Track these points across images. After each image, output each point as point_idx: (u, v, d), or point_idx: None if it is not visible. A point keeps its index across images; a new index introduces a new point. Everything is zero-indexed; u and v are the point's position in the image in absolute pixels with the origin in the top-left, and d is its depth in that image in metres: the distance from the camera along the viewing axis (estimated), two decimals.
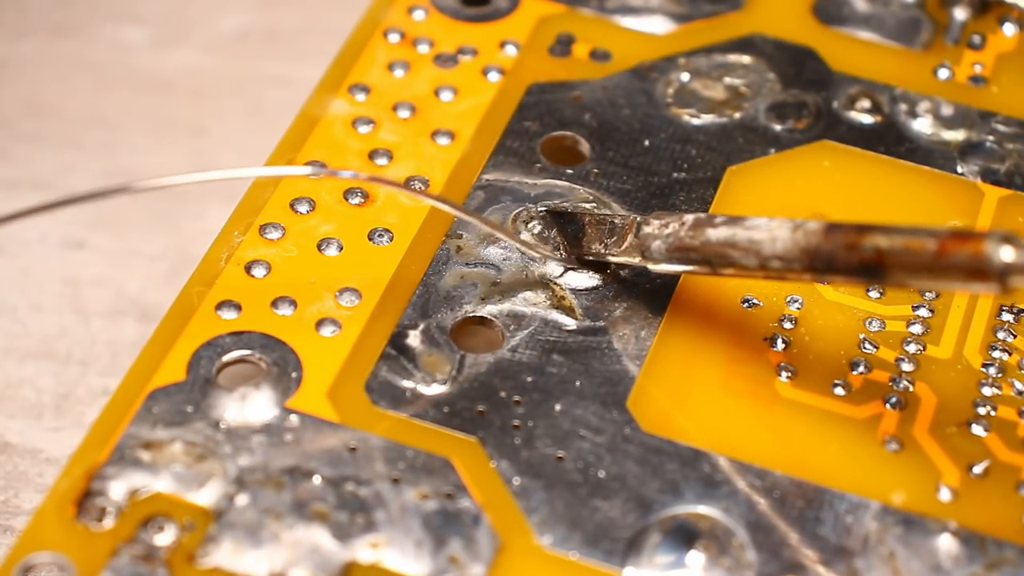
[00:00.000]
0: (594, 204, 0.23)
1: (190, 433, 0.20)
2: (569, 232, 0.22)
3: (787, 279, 0.20)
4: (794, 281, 0.21)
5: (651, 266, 0.21)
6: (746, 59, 0.25)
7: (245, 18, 0.30)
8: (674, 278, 0.22)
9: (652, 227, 0.21)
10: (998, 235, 0.18)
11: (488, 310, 0.22)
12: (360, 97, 0.24)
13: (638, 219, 0.21)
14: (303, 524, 0.19)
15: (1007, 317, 0.22)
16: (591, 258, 0.22)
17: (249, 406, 0.20)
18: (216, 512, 0.20)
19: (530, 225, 0.22)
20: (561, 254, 0.22)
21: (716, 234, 0.20)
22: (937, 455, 0.20)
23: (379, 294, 0.22)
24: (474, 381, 0.21)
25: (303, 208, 0.22)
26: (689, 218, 0.21)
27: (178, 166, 0.27)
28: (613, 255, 0.21)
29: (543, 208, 0.22)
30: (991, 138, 0.24)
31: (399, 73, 0.24)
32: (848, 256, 0.19)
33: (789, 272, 0.20)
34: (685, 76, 0.24)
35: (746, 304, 0.22)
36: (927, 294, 0.22)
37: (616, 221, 0.22)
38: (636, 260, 0.21)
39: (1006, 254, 0.18)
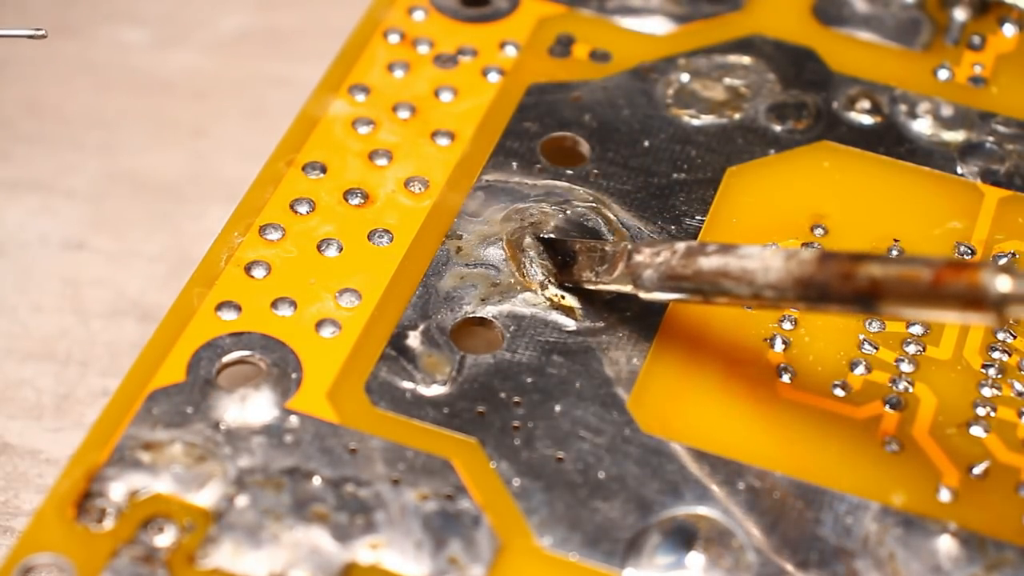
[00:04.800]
0: (594, 205, 0.23)
1: (190, 434, 0.20)
2: (560, 260, 0.22)
3: (780, 308, 0.20)
4: (787, 309, 0.21)
5: (642, 294, 0.21)
6: (746, 60, 0.25)
7: (245, 18, 0.30)
8: None
9: (643, 255, 0.21)
10: (995, 265, 0.18)
11: (488, 311, 0.22)
12: (360, 98, 0.24)
13: (629, 247, 0.21)
14: (303, 525, 0.19)
15: None
16: (581, 286, 0.22)
17: (249, 407, 0.20)
18: (216, 513, 0.20)
19: (526, 244, 0.22)
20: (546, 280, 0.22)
21: (708, 263, 0.20)
22: (937, 456, 0.20)
23: (379, 295, 0.22)
24: (474, 382, 0.21)
25: (303, 209, 0.22)
26: (681, 246, 0.20)
27: (178, 166, 0.27)
28: (604, 283, 0.21)
29: (533, 237, 0.22)
30: (991, 139, 0.24)
31: (399, 74, 0.24)
32: (842, 286, 0.19)
33: (782, 301, 0.20)
34: (685, 77, 0.24)
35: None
36: None
37: (607, 249, 0.21)
38: (627, 288, 0.21)
39: (1003, 284, 0.18)
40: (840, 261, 0.19)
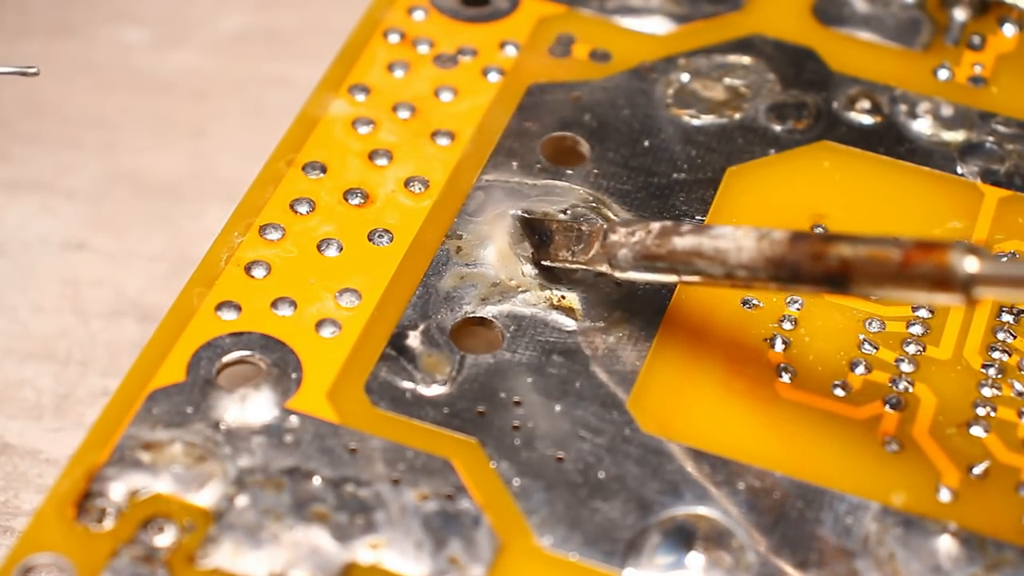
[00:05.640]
0: (594, 205, 0.23)
1: (190, 434, 0.20)
2: (537, 239, 0.22)
3: (753, 288, 0.20)
4: (760, 290, 0.21)
5: (617, 274, 0.21)
6: (746, 59, 0.25)
7: (245, 18, 0.30)
8: None
9: (619, 235, 0.21)
10: (963, 246, 0.18)
11: (488, 311, 0.22)
12: (360, 97, 0.24)
13: (605, 227, 0.21)
14: (303, 525, 0.19)
15: (1007, 318, 0.22)
16: (558, 265, 0.22)
17: (249, 407, 0.20)
18: (216, 513, 0.20)
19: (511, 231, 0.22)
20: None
21: (682, 243, 0.20)
22: (937, 456, 0.20)
23: (379, 294, 0.22)
24: (474, 382, 0.21)
25: (303, 209, 0.22)
26: (656, 226, 0.21)
27: (178, 166, 0.27)
28: (580, 262, 0.21)
29: (514, 213, 0.22)
30: (991, 139, 0.24)
31: (399, 73, 0.24)
32: (813, 266, 0.19)
33: (755, 281, 0.20)
34: (685, 76, 0.24)
35: (746, 305, 0.22)
36: None
37: (583, 228, 0.21)
38: (603, 268, 0.21)
39: (970, 265, 0.18)
40: (811, 241, 0.19)
